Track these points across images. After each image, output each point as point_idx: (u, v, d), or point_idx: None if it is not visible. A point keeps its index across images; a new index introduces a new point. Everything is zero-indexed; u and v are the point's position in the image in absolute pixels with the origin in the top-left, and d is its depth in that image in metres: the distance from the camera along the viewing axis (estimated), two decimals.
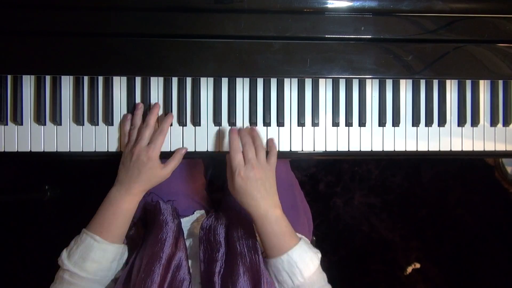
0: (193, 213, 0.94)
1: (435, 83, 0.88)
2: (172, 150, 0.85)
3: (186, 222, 0.91)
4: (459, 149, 0.89)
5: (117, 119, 0.85)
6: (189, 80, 0.85)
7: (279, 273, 0.73)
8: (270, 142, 0.83)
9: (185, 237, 0.88)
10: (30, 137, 0.84)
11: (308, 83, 0.87)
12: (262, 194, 0.74)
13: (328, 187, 1.68)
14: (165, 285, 0.67)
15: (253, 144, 0.78)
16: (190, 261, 0.77)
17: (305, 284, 0.72)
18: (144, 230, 0.86)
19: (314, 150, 0.87)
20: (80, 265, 0.71)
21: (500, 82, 0.89)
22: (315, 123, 0.87)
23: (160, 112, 0.85)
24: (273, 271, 0.75)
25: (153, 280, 0.66)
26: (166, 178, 0.81)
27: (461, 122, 0.88)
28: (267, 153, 0.81)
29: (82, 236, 0.74)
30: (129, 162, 0.77)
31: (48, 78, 0.84)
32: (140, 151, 0.77)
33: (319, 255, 0.77)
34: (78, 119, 0.84)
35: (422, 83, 0.88)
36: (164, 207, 0.81)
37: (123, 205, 0.76)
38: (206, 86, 0.86)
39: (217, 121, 0.85)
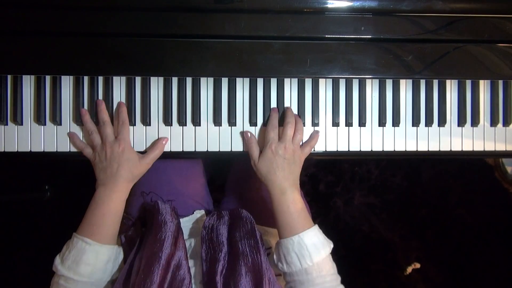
0: (193, 212, 0.94)
1: (435, 83, 0.88)
2: (172, 150, 0.85)
3: (186, 222, 0.91)
4: (459, 149, 0.89)
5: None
6: (189, 80, 0.85)
7: (289, 253, 0.74)
8: (314, 133, 0.85)
9: (185, 237, 0.88)
10: (30, 137, 0.84)
11: (308, 83, 0.87)
12: (284, 174, 0.78)
13: (328, 187, 1.68)
14: (165, 285, 0.67)
15: (294, 126, 0.81)
16: (192, 261, 0.78)
17: (313, 269, 0.73)
18: (143, 230, 0.86)
19: (314, 150, 0.87)
20: (74, 269, 0.71)
21: (500, 82, 0.89)
22: (315, 123, 0.87)
23: (160, 112, 0.85)
24: (283, 252, 0.75)
25: (153, 281, 0.65)
26: (147, 169, 0.81)
27: (461, 122, 0.88)
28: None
29: (73, 240, 0.74)
30: (104, 161, 0.77)
31: (48, 78, 0.84)
32: (112, 145, 0.77)
33: (331, 245, 0.78)
34: (78, 119, 0.84)
35: (422, 83, 0.88)
36: (162, 207, 0.80)
37: (110, 204, 0.76)
38: (206, 86, 0.86)
39: (217, 121, 0.85)
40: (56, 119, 0.83)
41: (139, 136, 0.84)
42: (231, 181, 1.10)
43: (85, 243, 0.73)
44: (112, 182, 0.77)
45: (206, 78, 0.85)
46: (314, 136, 0.85)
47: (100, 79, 0.84)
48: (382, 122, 0.87)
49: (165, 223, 0.77)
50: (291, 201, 0.77)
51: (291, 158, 0.79)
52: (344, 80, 0.87)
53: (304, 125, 0.86)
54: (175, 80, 0.85)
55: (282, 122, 0.83)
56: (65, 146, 0.84)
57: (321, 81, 0.87)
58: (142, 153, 0.84)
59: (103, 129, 0.80)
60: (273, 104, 0.86)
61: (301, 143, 0.84)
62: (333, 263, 0.76)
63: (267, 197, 0.87)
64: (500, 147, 0.89)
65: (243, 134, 0.85)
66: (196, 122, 0.85)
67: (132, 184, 0.81)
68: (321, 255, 0.74)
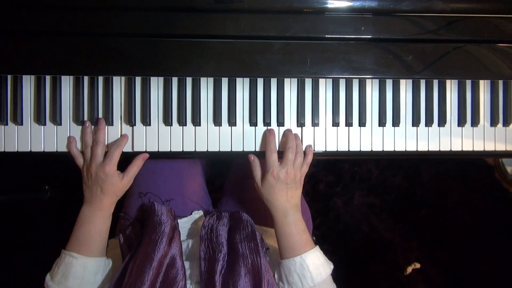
0: (191, 213, 0.93)
1: (435, 83, 0.88)
2: (172, 150, 0.85)
3: (185, 223, 0.91)
4: (459, 149, 0.89)
5: (117, 119, 0.85)
6: (189, 80, 0.85)
7: (291, 274, 0.75)
8: (308, 148, 0.85)
9: (184, 238, 0.88)
10: (30, 137, 0.84)
11: (308, 83, 0.87)
12: (287, 197, 0.79)
13: (328, 187, 1.67)
14: (156, 285, 0.67)
15: (295, 150, 0.81)
16: (188, 262, 0.78)
17: None
18: (142, 230, 0.86)
19: (314, 150, 0.86)
20: (63, 283, 0.73)
21: (500, 82, 0.89)
22: (315, 123, 0.87)
23: (160, 112, 0.85)
24: (284, 272, 0.76)
25: (143, 282, 0.66)
26: (129, 185, 0.82)
27: (461, 122, 0.88)
28: None
29: (61, 256, 0.76)
30: (89, 181, 0.78)
31: (48, 78, 0.84)
32: (97, 169, 0.78)
33: (332, 266, 0.78)
34: (78, 119, 0.84)
35: (422, 83, 0.88)
36: (158, 208, 0.81)
37: (96, 221, 0.78)
38: (206, 86, 0.86)
39: (217, 121, 0.85)
40: (56, 119, 0.83)
41: (139, 136, 0.84)
42: (230, 181, 1.10)
43: (72, 257, 0.74)
44: (97, 202, 0.78)
45: (206, 78, 0.85)
46: (308, 152, 0.84)
47: (100, 79, 0.84)
48: (382, 122, 0.87)
49: (160, 224, 0.77)
50: (293, 223, 0.78)
51: (292, 182, 0.79)
52: (344, 80, 0.87)
53: (304, 125, 0.86)
54: (175, 80, 0.85)
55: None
56: (65, 146, 0.84)
57: (321, 81, 0.87)
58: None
59: (95, 148, 0.80)
60: (273, 104, 0.86)
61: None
62: (333, 284, 0.77)
63: None
64: (500, 147, 0.89)
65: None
66: (196, 122, 0.85)
67: (116, 201, 0.81)
68: (322, 276, 0.75)
